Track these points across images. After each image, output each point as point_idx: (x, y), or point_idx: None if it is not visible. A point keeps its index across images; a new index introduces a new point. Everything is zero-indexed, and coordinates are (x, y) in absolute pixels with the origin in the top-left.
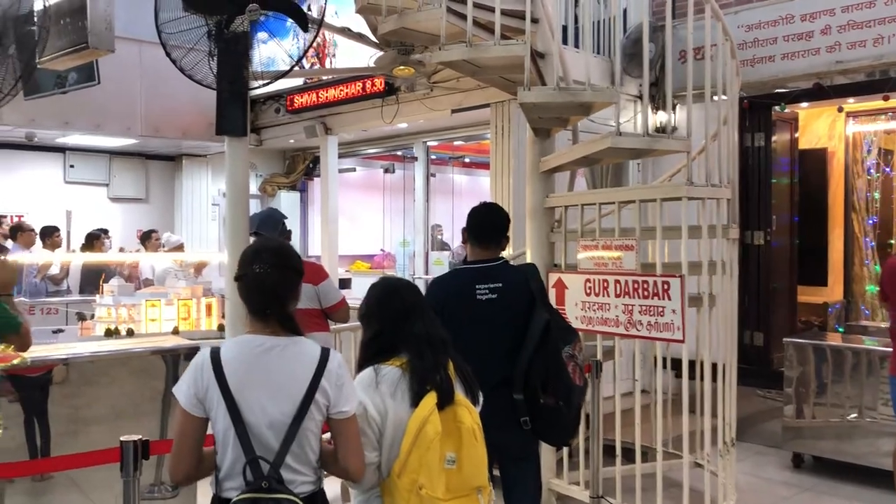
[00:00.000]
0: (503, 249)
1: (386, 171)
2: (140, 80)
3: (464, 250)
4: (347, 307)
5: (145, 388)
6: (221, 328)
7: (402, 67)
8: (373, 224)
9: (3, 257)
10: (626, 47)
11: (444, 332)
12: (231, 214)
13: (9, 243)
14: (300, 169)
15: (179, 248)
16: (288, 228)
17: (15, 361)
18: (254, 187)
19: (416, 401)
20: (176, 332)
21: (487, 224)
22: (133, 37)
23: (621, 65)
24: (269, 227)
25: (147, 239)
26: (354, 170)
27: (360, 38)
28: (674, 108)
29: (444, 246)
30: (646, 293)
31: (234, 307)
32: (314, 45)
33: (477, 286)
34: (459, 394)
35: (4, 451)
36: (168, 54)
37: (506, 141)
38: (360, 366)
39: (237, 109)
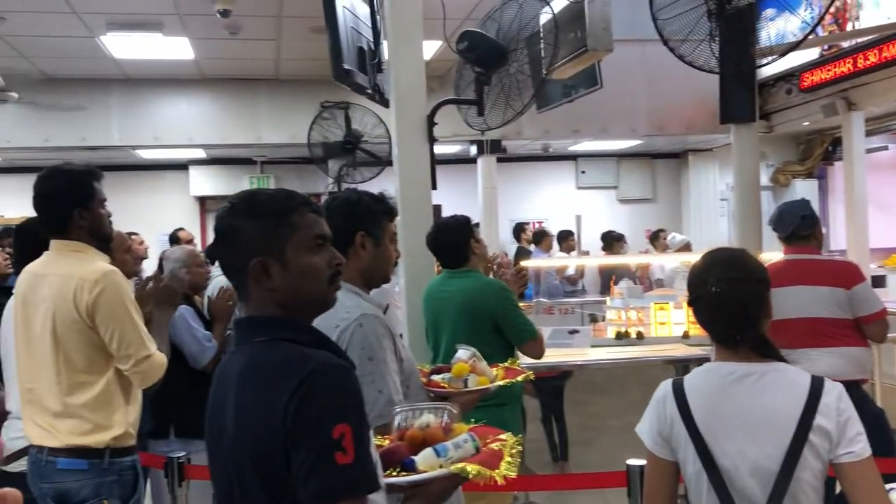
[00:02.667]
0: None
1: None
2: (642, 79)
3: None
4: (886, 320)
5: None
6: None
7: None
8: None
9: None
10: None
11: None
12: (739, 208)
13: (531, 247)
14: (817, 154)
15: (686, 247)
16: (814, 221)
17: (519, 378)
18: (765, 178)
19: None
20: (686, 336)
21: None
22: (634, 37)
23: None
24: (782, 229)
25: (655, 239)
26: (886, 148)
27: None
28: None
29: None
30: None
31: None
32: (831, 9)
33: None
34: None
35: (529, 452)
36: (665, 42)
37: None
38: None
39: (743, 93)
